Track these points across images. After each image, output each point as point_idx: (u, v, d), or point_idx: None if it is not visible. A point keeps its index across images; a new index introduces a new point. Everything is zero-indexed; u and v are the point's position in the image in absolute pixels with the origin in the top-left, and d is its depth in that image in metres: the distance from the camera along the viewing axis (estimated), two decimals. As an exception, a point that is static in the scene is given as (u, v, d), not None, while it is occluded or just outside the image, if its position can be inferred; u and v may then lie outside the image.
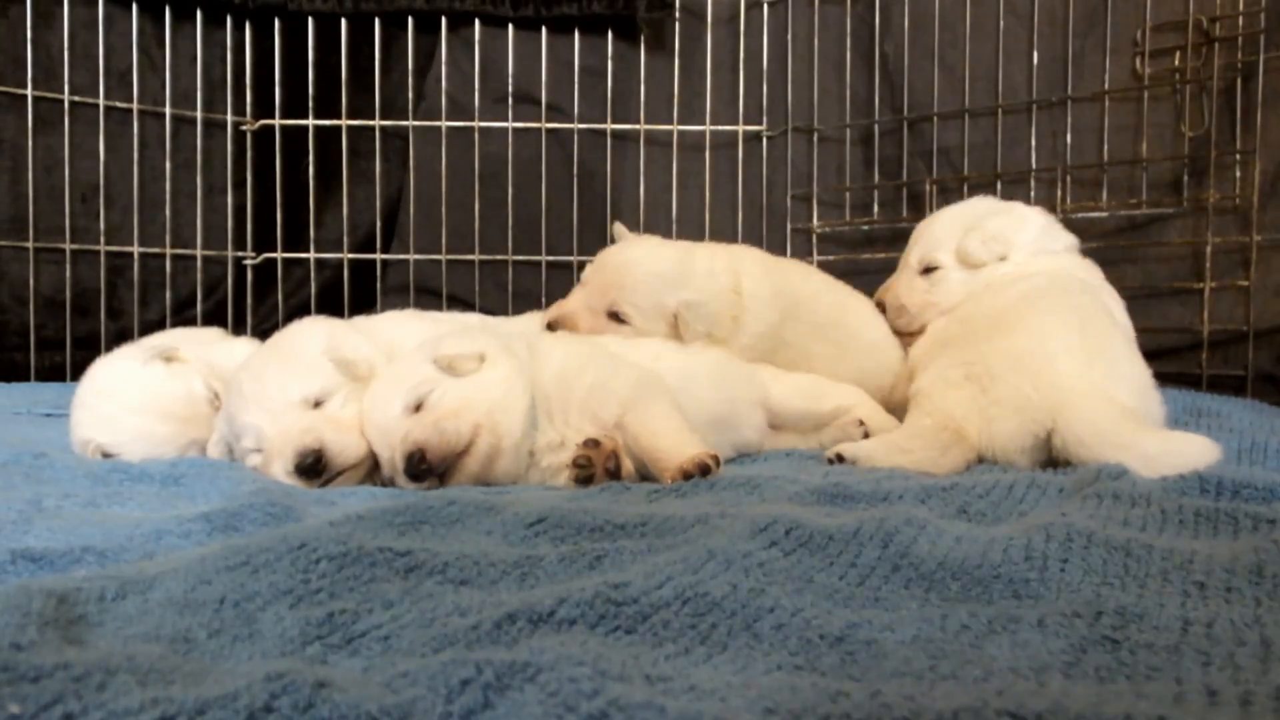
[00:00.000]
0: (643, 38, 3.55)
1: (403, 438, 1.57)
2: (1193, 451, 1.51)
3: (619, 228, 2.15)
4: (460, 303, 3.50)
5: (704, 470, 1.54)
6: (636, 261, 2.01)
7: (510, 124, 3.53)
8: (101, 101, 3.27)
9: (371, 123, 3.51)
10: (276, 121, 3.49)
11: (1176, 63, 2.85)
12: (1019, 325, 1.80)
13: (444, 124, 3.52)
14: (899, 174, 3.35)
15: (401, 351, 1.85)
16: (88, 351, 2.98)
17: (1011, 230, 2.07)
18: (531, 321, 2.22)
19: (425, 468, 1.54)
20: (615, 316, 1.96)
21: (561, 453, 1.65)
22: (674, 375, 1.78)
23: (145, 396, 1.92)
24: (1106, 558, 1.05)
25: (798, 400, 2.00)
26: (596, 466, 1.57)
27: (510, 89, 3.53)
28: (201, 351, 2.08)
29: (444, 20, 3.52)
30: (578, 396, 1.67)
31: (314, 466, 1.65)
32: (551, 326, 1.97)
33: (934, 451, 1.69)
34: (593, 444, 1.59)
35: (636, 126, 3.56)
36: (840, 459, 1.71)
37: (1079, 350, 1.73)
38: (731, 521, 1.14)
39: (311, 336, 1.84)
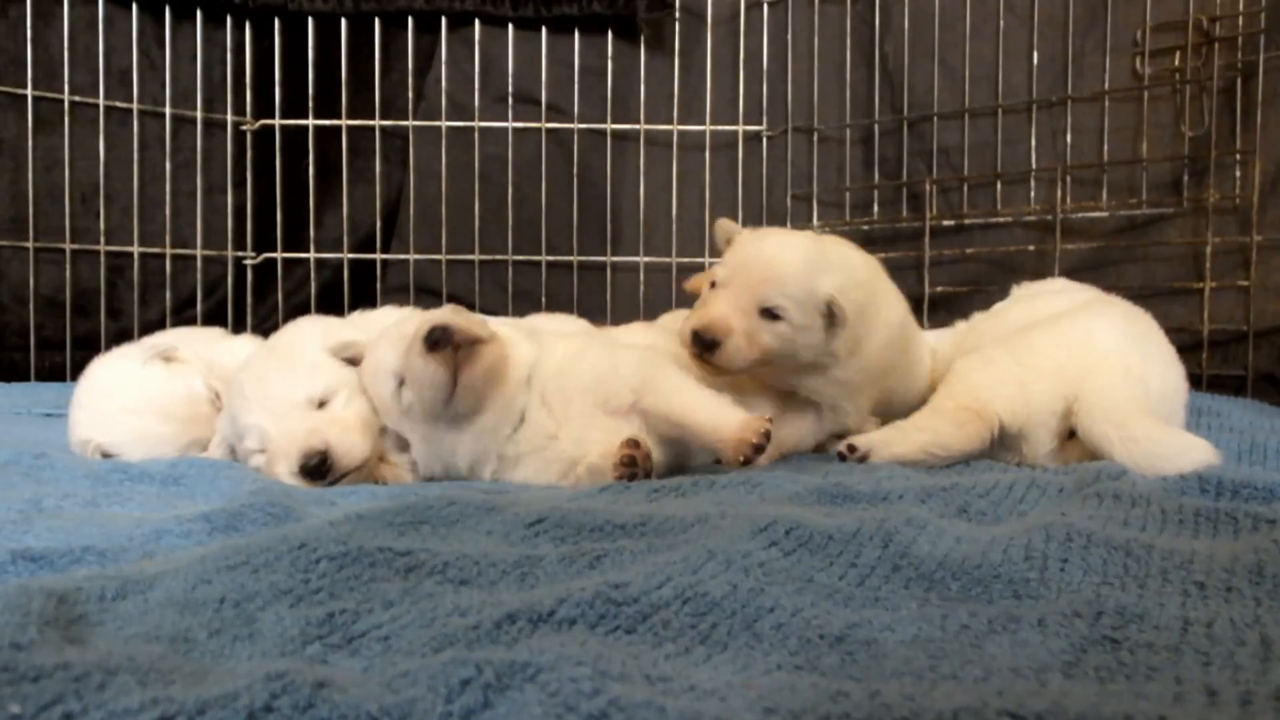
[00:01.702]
0: (643, 38, 3.55)
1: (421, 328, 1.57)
2: (1187, 452, 1.51)
3: (725, 224, 1.96)
4: (460, 303, 3.49)
5: (767, 436, 1.54)
6: (783, 249, 1.83)
7: (510, 124, 3.53)
8: (101, 101, 3.27)
9: (371, 123, 3.51)
10: (276, 121, 3.49)
11: (1176, 62, 2.85)
12: (1067, 315, 1.85)
13: (444, 124, 3.52)
14: (899, 174, 3.35)
15: None
16: (87, 351, 2.97)
17: None
18: (545, 322, 2.21)
19: (441, 338, 1.55)
20: (768, 313, 1.76)
21: (554, 444, 1.65)
22: None
23: (145, 397, 1.92)
24: (1106, 558, 1.05)
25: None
26: (640, 465, 1.57)
27: (510, 89, 3.53)
28: (202, 351, 2.08)
29: (444, 20, 3.52)
30: (579, 383, 1.67)
31: (319, 468, 1.65)
32: (698, 335, 1.75)
33: (951, 427, 1.70)
34: (634, 444, 1.58)
35: (636, 126, 3.56)
36: (852, 450, 1.70)
37: (1121, 336, 1.78)
38: (731, 521, 1.14)
39: (310, 335, 1.84)
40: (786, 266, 1.78)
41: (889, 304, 1.98)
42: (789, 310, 1.75)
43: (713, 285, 1.81)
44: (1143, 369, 1.72)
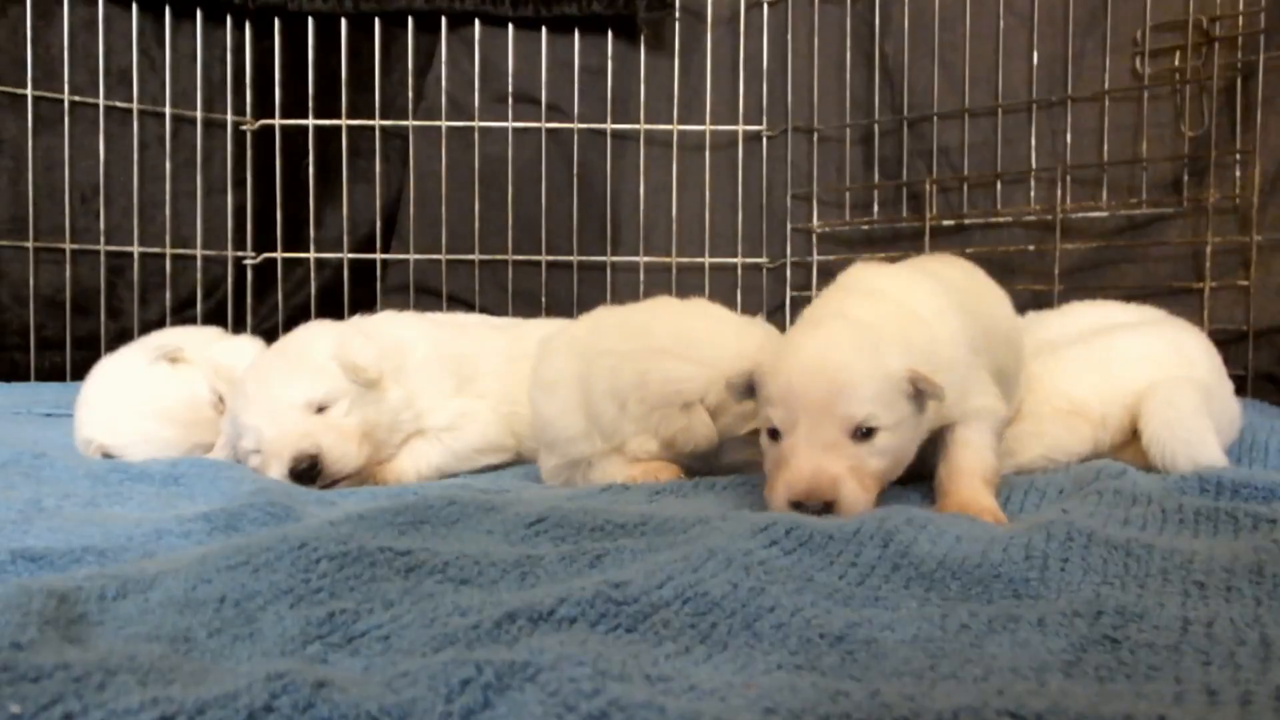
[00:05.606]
0: (643, 38, 3.54)
1: None
2: (1206, 447, 1.54)
3: (737, 374, 1.43)
4: (460, 303, 3.50)
5: None
6: (828, 346, 1.35)
7: (510, 124, 3.53)
8: (101, 101, 3.27)
9: (371, 123, 3.51)
10: (276, 121, 3.49)
11: (1176, 62, 2.85)
12: (1156, 324, 1.91)
13: (444, 124, 3.52)
14: (899, 174, 3.34)
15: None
16: (88, 351, 2.98)
17: None
18: (544, 327, 2.20)
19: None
20: (862, 433, 1.30)
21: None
22: None
23: (149, 399, 1.92)
24: (1106, 557, 1.05)
25: None
26: None
27: (510, 89, 3.53)
28: (205, 351, 2.08)
29: (444, 20, 3.51)
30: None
31: (308, 472, 1.66)
32: (803, 505, 1.26)
33: (1063, 431, 1.69)
34: None
35: (636, 126, 3.56)
36: None
37: (1208, 360, 1.85)
38: (732, 521, 1.14)
39: (319, 340, 1.84)
40: (849, 364, 1.32)
41: (994, 302, 1.78)
42: (881, 416, 1.31)
43: (772, 436, 1.35)
44: (1224, 396, 1.78)
